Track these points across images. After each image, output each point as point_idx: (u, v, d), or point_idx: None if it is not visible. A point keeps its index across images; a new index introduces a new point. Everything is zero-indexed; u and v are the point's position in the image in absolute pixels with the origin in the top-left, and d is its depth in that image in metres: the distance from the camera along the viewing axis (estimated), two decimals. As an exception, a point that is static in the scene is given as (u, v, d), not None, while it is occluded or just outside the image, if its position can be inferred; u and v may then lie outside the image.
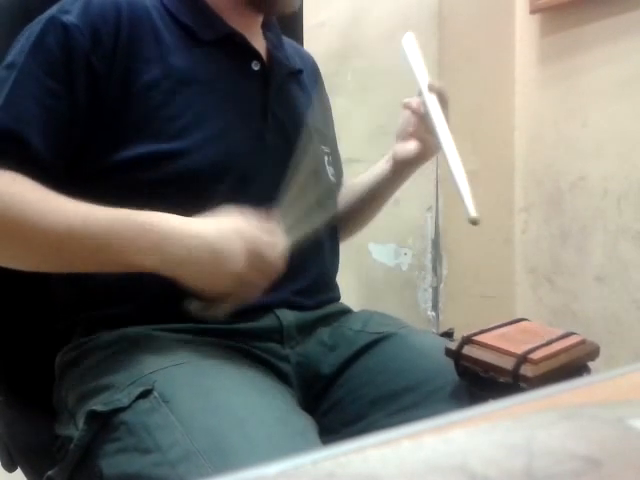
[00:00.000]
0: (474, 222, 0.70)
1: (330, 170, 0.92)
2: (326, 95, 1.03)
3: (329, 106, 1.03)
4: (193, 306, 0.68)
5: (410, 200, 1.64)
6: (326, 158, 0.91)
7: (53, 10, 0.74)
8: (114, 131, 0.73)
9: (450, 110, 0.83)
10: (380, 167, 0.99)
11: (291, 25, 0.99)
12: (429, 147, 0.89)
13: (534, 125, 1.77)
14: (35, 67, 0.71)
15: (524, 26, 1.78)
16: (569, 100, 1.67)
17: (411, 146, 0.89)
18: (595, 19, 1.59)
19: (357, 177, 1.05)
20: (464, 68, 1.68)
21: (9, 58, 0.72)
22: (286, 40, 0.95)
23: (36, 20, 0.74)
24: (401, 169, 0.95)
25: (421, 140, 0.89)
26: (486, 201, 1.64)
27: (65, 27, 0.72)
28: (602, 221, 1.61)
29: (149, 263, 0.65)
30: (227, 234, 0.65)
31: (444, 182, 1.62)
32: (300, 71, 0.93)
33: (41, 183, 0.67)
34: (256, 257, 0.65)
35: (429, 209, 1.64)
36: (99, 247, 0.65)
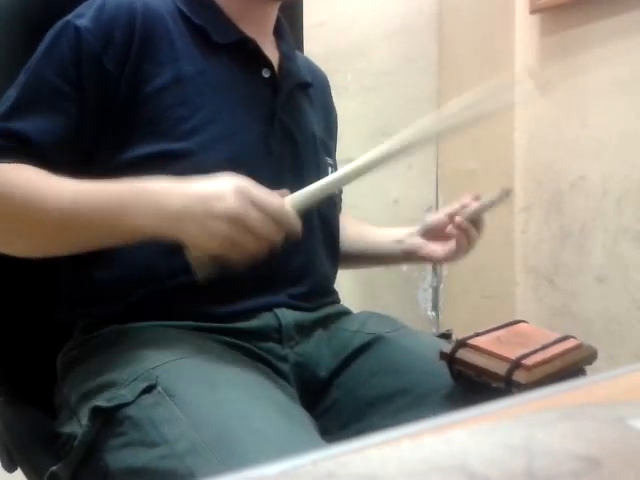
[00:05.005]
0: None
1: None
2: (335, 111, 1.04)
3: (336, 121, 1.04)
4: (196, 265, 0.67)
5: (410, 200, 1.64)
6: (330, 169, 0.92)
7: (69, 15, 0.77)
8: (124, 130, 0.75)
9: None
10: (388, 245, 0.98)
11: (291, 25, 0.99)
12: (462, 250, 0.89)
13: (534, 125, 1.77)
14: (47, 69, 0.73)
15: (524, 26, 1.77)
16: (569, 100, 1.67)
17: (445, 247, 0.90)
18: (595, 19, 1.59)
19: (363, 229, 1.04)
20: (464, 68, 1.68)
21: (28, 62, 0.75)
22: (299, 54, 0.97)
23: (54, 25, 0.76)
24: (413, 259, 0.97)
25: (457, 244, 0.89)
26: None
27: (77, 30, 0.74)
28: (602, 221, 1.61)
29: (150, 224, 0.66)
30: (220, 183, 0.66)
31: (444, 182, 1.62)
32: (309, 84, 0.94)
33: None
34: (248, 197, 0.64)
35: (429, 209, 1.64)
36: (103, 216, 0.68)
